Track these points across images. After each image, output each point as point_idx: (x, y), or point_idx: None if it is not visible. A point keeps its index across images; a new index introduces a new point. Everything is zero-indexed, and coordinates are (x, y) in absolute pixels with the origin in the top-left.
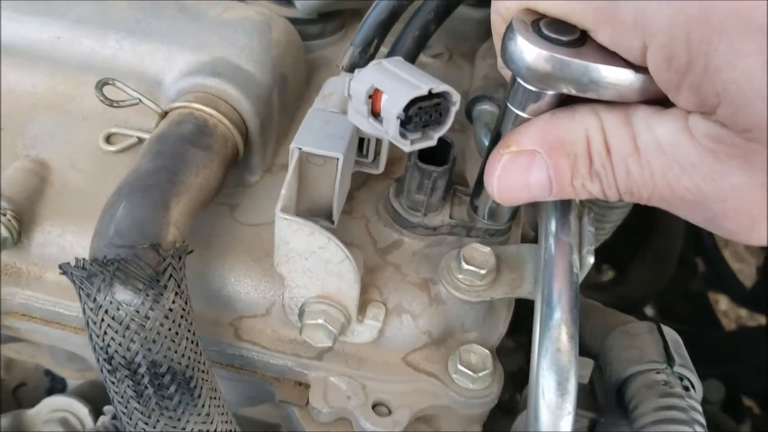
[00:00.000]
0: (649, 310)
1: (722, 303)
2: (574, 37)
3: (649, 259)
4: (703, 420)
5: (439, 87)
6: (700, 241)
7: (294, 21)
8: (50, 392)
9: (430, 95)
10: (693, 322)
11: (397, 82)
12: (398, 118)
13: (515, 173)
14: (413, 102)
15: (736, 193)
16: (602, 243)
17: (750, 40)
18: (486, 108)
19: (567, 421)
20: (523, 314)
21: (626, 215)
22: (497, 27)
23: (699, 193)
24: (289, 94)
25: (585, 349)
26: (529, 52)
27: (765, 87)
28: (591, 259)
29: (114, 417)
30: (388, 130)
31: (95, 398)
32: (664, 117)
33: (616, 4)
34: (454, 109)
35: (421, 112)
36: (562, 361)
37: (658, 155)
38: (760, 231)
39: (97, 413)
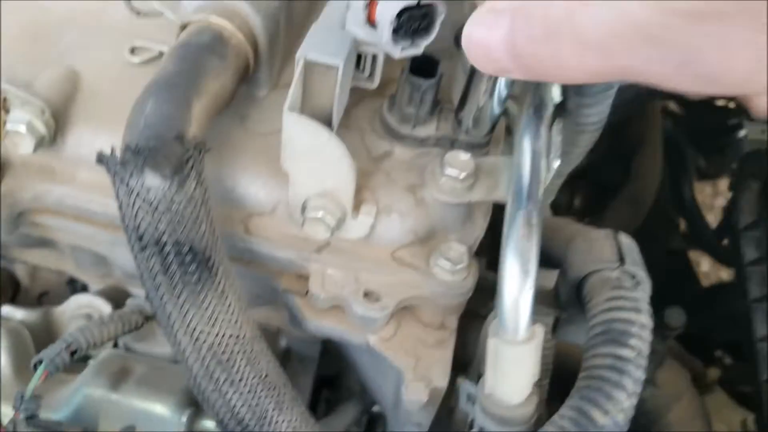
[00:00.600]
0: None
1: (704, 264)
2: None
3: (624, 202)
4: (647, 308)
5: None
6: (681, 197)
7: None
8: None
9: (419, 5)
10: (673, 278)
11: None
12: (391, 24)
13: (479, 33)
14: (404, 11)
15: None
16: (585, 197)
17: None
18: None
19: (527, 298)
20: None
21: (595, 139)
22: None
23: None
24: (294, 15)
25: (553, 260)
26: None
27: None
28: (556, 163)
29: (136, 305)
30: (382, 36)
31: (117, 300)
32: None
33: None
34: (439, 20)
35: (411, 20)
36: (525, 246)
37: None
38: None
39: None
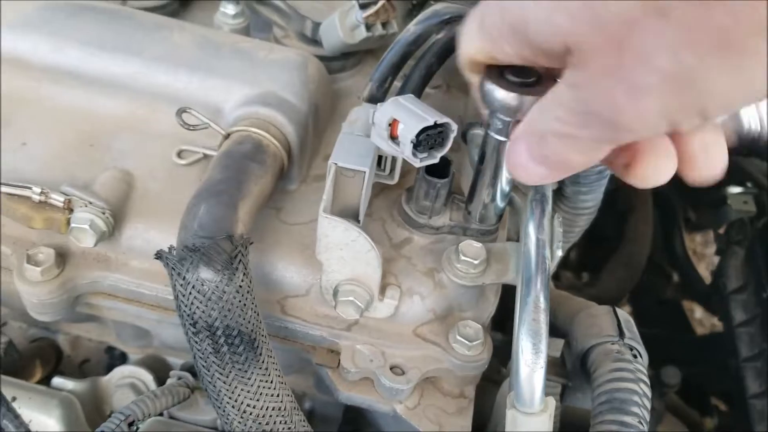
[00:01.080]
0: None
1: (697, 312)
2: (533, 79)
3: (619, 264)
4: (646, 380)
5: (442, 119)
6: (672, 251)
7: (321, 58)
8: (110, 368)
9: (435, 125)
10: (667, 327)
11: (411, 114)
12: (411, 142)
13: (511, 160)
14: (422, 130)
15: None
16: (583, 255)
17: None
18: (478, 132)
19: (539, 374)
20: (506, 316)
21: (593, 219)
22: (466, 67)
23: None
24: (320, 120)
25: (558, 329)
26: (500, 94)
27: None
28: (559, 253)
29: (181, 378)
30: (404, 151)
31: (155, 369)
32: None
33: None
34: (452, 136)
35: (428, 138)
36: (536, 328)
37: None
38: None
39: (158, 381)
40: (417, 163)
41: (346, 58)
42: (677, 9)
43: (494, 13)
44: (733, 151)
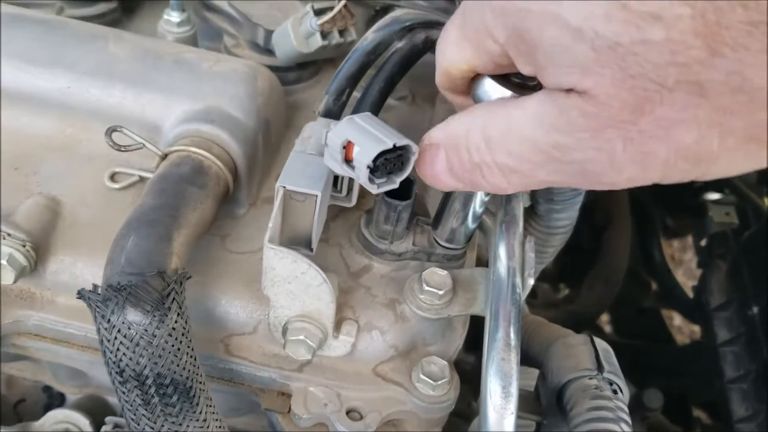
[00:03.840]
0: (607, 327)
1: (676, 319)
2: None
3: (597, 279)
4: (628, 418)
5: (401, 141)
6: (651, 261)
7: (275, 69)
8: (48, 407)
9: (394, 148)
10: (647, 337)
11: (367, 136)
12: (368, 167)
13: (426, 164)
14: (380, 154)
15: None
16: (560, 265)
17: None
18: None
19: (510, 420)
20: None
21: (568, 239)
22: (442, 84)
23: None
24: (271, 136)
25: (532, 359)
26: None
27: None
28: (531, 281)
29: (115, 426)
30: (359, 176)
31: (93, 411)
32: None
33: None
34: (413, 159)
35: (386, 162)
36: (506, 369)
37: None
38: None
39: (96, 425)
40: (374, 190)
41: (302, 68)
42: (716, 92)
43: (489, 16)
44: None
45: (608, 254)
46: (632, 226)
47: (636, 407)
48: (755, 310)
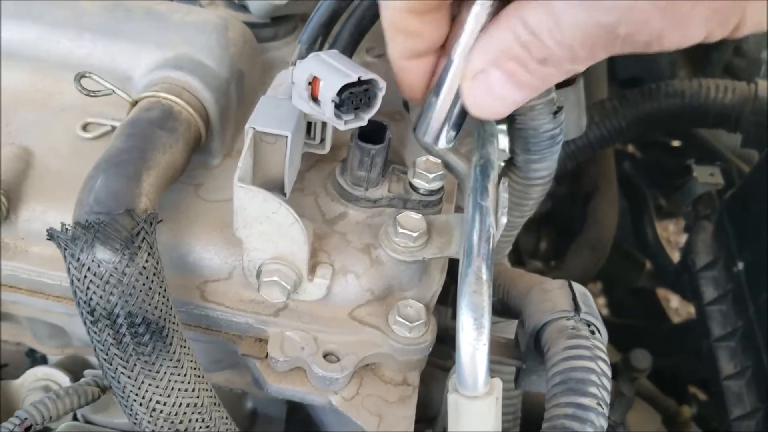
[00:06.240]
0: (604, 311)
1: (673, 301)
2: None
3: (584, 246)
4: (605, 357)
5: (367, 75)
6: (644, 238)
7: (250, 25)
8: None
9: (360, 82)
10: (642, 316)
11: (332, 70)
12: (332, 101)
13: (482, 95)
14: (345, 87)
15: None
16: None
17: None
18: None
19: (482, 352)
20: None
21: (546, 191)
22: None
23: None
24: (245, 88)
25: (512, 310)
26: None
27: None
28: (504, 219)
29: (95, 376)
30: (325, 112)
31: (75, 370)
32: None
33: None
34: (380, 94)
35: (352, 96)
36: (477, 301)
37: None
38: None
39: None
40: (341, 126)
41: (278, 24)
42: None
43: None
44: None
45: (594, 222)
46: (624, 204)
47: (623, 369)
48: (740, 266)
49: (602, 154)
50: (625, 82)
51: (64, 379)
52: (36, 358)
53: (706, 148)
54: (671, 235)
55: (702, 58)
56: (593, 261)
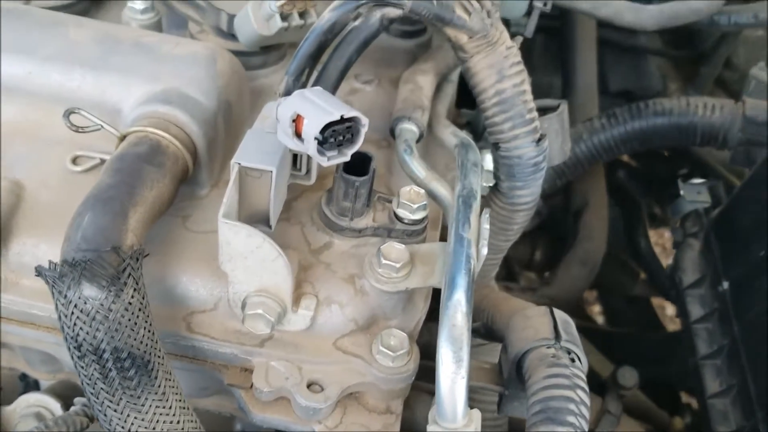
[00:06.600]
0: (599, 318)
1: (669, 309)
2: None
3: (574, 261)
4: (584, 385)
5: (350, 113)
6: (637, 247)
7: (239, 54)
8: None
9: (343, 120)
10: (638, 325)
11: (315, 109)
12: (315, 139)
13: None
14: (328, 125)
15: None
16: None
17: None
18: (406, 126)
19: (461, 385)
20: None
21: (531, 215)
22: None
23: None
24: (233, 118)
25: (497, 333)
26: None
27: None
28: (485, 251)
29: (84, 405)
30: (308, 149)
31: (66, 395)
32: None
33: None
34: (363, 131)
35: (335, 134)
36: (456, 335)
37: None
38: None
39: (67, 408)
40: (325, 162)
41: (267, 53)
42: None
43: None
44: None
45: (585, 237)
46: (617, 213)
47: (611, 387)
48: (725, 285)
49: (593, 169)
50: (617, 95)
51: (55, 406)
52: (29, 382)
53: (698, 160)
54: (667, 242)
55: (693, 72)
56: (584, 276)
